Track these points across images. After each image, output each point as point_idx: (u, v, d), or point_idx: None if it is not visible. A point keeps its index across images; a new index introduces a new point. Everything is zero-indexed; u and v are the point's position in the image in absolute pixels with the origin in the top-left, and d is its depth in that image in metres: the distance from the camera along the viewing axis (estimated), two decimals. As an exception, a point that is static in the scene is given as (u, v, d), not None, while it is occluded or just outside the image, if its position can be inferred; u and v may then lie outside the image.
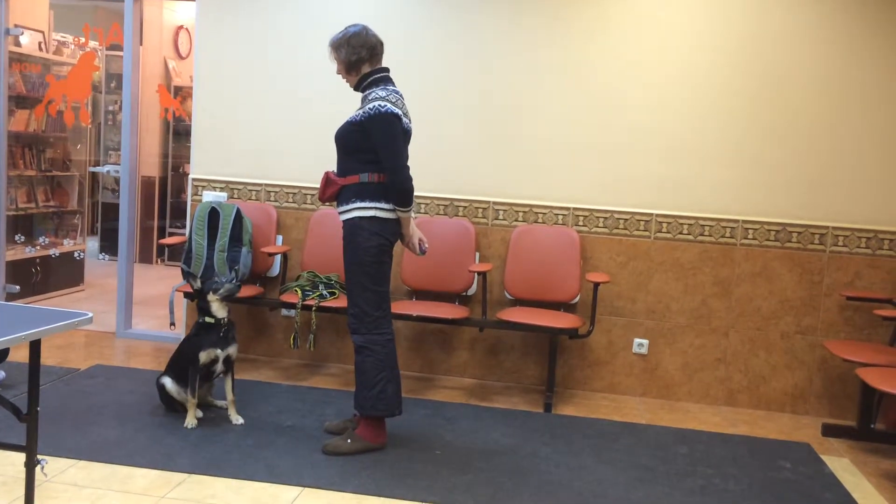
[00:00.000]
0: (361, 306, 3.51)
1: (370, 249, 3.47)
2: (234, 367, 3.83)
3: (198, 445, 3.52)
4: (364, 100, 3.51)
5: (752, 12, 4.49)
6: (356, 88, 3.58)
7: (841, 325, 4.55)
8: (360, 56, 3.50)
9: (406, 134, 3.51)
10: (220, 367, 3.75)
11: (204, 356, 3.68)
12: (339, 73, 3.58)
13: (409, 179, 3.45)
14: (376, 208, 3.45)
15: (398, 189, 3.43)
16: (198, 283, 3.75)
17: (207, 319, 3.72)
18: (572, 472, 3.52)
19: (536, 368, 4.78)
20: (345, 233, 3.53)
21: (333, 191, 3.52)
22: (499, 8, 4.68)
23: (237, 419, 3.80)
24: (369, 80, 3.52)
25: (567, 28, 4.64)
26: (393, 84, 3.55)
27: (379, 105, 3.40)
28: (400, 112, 3.44)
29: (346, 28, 3.55)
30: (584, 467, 3.57)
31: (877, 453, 4.06)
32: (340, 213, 3.53)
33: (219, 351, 3.70)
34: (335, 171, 3.57)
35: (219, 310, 3.73)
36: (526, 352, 4.80)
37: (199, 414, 3.80)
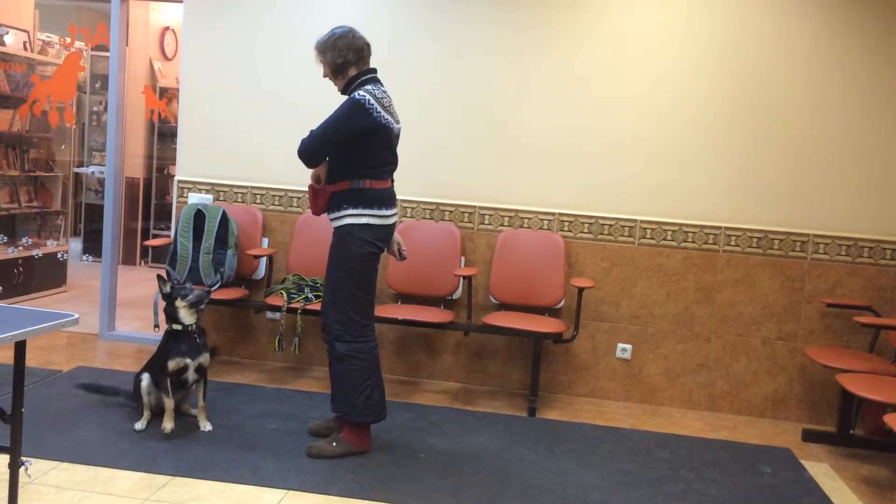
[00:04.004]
0: (348, 313, 3.50)
1: (363, 257, 3.47)
2: (206, 375, 3.76)
3: (181, 448, 3.51)
4: None
5: (736, 22, 4.54)
6: (344, 92, 3.55)
7: (821, 331, 4.60)
8: (346, 59, 3.47)
9: (391, 132, 3.48)
10: (191, 375, 3.69)
11: (172, 364, 3.61)
12: (325, 75, 3.56)
13: (306, 157, 3.44)
14: (369, 215, 3.44)
15: (302, 151, 3.44)
16: (167, 288, 3.72)
17: (175, 326, 3.67)
18: (555, 476, 3.54)
19: (520, 373, 4.80)
20: (335, 238, 3.52)
21: (324, 202, 3.49)
22: (485, 13, 4.71)
23: (205, 426, 3.73)
24: (357, 81, 3.49)
25: (553, 35, 4.67)
26: (381, 84, 3.53)
27: (358, 94, 3.39)
28: (376, 106, 3.39)
29: (332, 30, 3.53)
30: (566, 471, 3.60)
31: (856, 458, 4.11)
32: (333, 220, 3.51)
33: (188, 360, 3.64)
34: (316, 181, 3.54)
35: (186, 316, 3.67)
36: (510, 356, 4.82)
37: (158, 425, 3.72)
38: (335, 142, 3.41)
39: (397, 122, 3.55)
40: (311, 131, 3.44)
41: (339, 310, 3.51)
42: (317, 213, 3.56)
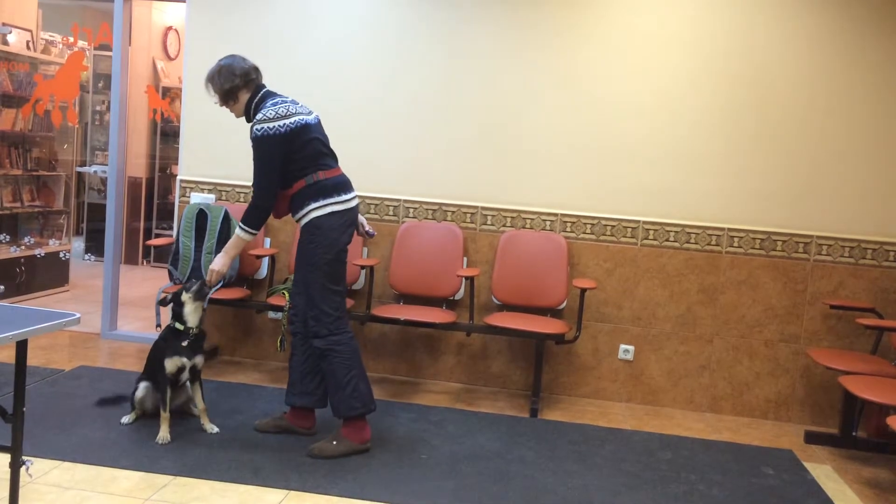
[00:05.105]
0: (322, 308, 3.53)
1: (332, 249, 3.51)
2: (201, 377, 3.75)
3: (182, 448, 3.51)
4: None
5: (739, 24, 4.53)
6: (248, 119, 3.59)
7: (824, 333, 4.59)
8: (234, 84, 3.53)
9: (307, 129, 3.50)
10: (185, 375, 3.68)
11: (170, 364, 3.61)
12: (219, 104, 3.62)
13: (266, 208, 3.51)
14: (332, 203, 3.51)
15: (251, 207, 3.51)
16: (170, 296, 3.71)
17: (178, 325, 3.66)
18: (557, 477, 3.53)
19: (523, 373, 4.80)
20: (302, 236, 3.57)
21: (285, 206, 3.57)
22: (488, 14, 4.70)
23: (211, 428, 3.72)
24: (254, 104, 3.55)
25: (557, 36, 4.66)
26: (274, 96, 3.55)
27: (255, 130, 3.47)
28: (276, 124, 3.43)
29: (219, 60, 3.60)
30: (569, 472, 3.59)
31: (858, 460, 4.10)
32: (299, 219, 3.56)
33: (185, 360, 3.63)
34: None
35: (191, 314, 3.65)
36: (512, 357, 4.81)
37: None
38: (275, 175, 3.49)
39: (308, 113, 3.58)
40: (254, 185, 3.52)
41: (312, 306, 3.54)
42: (278, 216, 3.66)
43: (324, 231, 3.50)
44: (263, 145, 3.46)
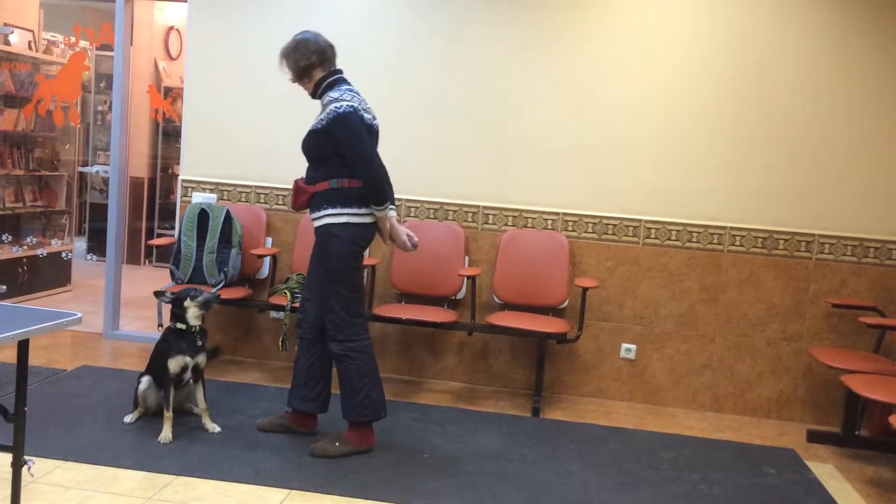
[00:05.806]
0: (339, 314, 3.51)
1: (344, 256, 3.48)
2: (203, 376, 3.75)
3: (184, 447, 3.51)
4: (323, 106, 3.50)
5: (740, 23, 4.53)
6: (314, 96, 3.56)
7: (826, 332, 4.58)
8: (310, 61, 3.48)
9: (371, 129, 3.50)
10: (188, 375, 3.68)
11: (173, 364, 3.61)
12: (293, 81, 3.57)
13: (382, 169, 3.44)
14: (348, 214, 3.45)
15: (373, 182, 3.40)
16: (167, 297, 3.71)
17: (179, 325, 3.67)
18: (559, 476, 3.53)
19: (524, 372, 4.79)
20: (317, 240, 3.54)
21: (304, 199, 3.52)
22: (489, 13, 4.70)
23: (213, 427, 3.72)
24: (324, 84, 3.50)
25: (558, 35, 4.66)
26: (348, 84, 3.53)
27: (335, 107, 3.39)
28: (357, 107, 3.42)
29: (294, 35, 3.55)
30: (570, 472, 3.59)
31: (861, 459, 4.09)
32: (313, 219, 3.54)
33: (188, 359, 3.64)
34: (304, 178, 3.56)
35: (192, 317, 3.66)
36: (514, 356, 4.81)
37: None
38: (369, 145, 3.45)
39: (374, 118, 3.57)
40: (359, 160, 3.39)
41: (329, 310, 3.53)
42: (295, 208, 3.61)
43: (336, 240, 3.46)
44: (349, 122, 3.37)
